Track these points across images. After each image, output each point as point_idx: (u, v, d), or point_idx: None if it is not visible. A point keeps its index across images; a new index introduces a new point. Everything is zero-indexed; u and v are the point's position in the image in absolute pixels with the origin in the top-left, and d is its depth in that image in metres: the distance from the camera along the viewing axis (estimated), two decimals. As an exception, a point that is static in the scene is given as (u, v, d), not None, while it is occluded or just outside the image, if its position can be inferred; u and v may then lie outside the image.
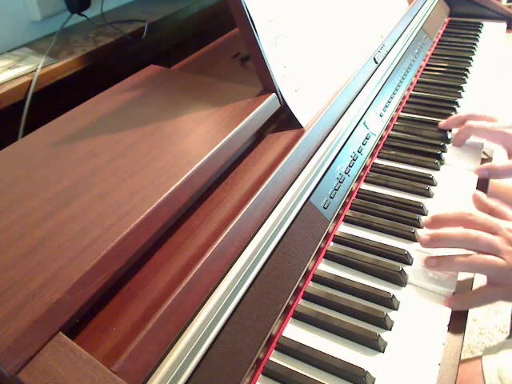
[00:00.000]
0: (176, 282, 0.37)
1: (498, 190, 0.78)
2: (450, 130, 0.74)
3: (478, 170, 0.65)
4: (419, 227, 0.57)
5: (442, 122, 0.73)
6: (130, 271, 0.37)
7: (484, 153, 0.71)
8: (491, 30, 1.08)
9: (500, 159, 0.70)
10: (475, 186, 0.64)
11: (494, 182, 0.70)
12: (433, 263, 0.51)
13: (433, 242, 0.52)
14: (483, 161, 0.69)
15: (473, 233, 0.49)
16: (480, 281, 0.51)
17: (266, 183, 0.47)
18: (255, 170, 0.49)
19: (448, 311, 0.47)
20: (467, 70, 0.91)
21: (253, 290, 0.43)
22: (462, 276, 0.52)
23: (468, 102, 0.82)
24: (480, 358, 0.57)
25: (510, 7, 1.15)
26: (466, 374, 0.55)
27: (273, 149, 0.52)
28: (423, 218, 0.58)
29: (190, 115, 0.51)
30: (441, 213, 0.54)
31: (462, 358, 0.45)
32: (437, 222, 0.53)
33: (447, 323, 0.46)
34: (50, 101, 0.68)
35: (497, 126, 0.66)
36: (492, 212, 0.53)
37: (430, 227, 0.54)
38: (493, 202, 0.54)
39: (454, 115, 0.73)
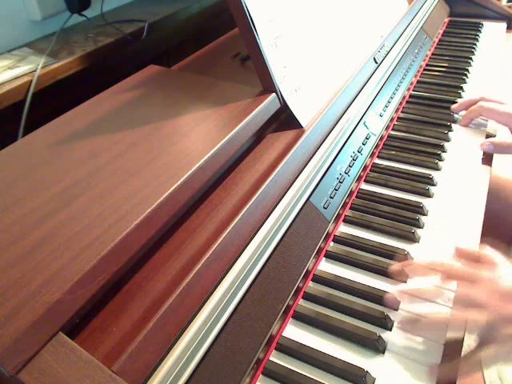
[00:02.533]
0: (176, 282, 0.37)
1: (498, 182, 0.78)
2: (451, 130, 0.74)
3: (482, 144, 0.69)
4: (419, 227, 0.57)
5: (454, 106, 0.78)
6: (129, 271, 0.37)
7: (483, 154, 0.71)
8: (491, 30, 1.08)
9: (500, 157, 0.71)
10: (475, 186, 0.64)
11: (494, 174, 0.70)
12: (407, 326, 0.45)
13: (402, 297, 0.47)
14: (483, 161, 0.69)
15: (467, 290, 0.44)
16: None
17: (266, 183, 0.47)
18: (255, 170, 0.49)
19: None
20: (467, 70, 0.91)
21: (253, 290, 0.43)
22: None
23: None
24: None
25: (510, 7, 1.15)
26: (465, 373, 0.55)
27: (273, 149, 0.52)
28: (423, 218, 0.58)
29: (190, 115, 0.51)
30: (414, 261, 0.50)
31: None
32: (410, 271, 0.49)
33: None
34: (50, 101, 0.68)
35: (506, 109, 0.71)
36: (479, 260, 0.47)
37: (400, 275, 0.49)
38: (477, 250, 0.49)
39: (466, 98, 0.77)
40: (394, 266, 0.50)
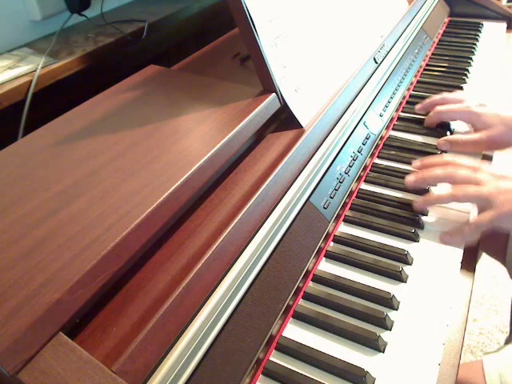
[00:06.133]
0: (176, 282, 0.37)
1: None
2: (451, 130, 0.74)
3: (439, 142, 0.70)
4: (419, 227, 0.57)
5: (418, 106, 0.77)
6: (129, 271, 0.38)
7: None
8: (491, 30, 1.08)
9: (499, 157, 0.71)
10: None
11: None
12: (420, 202, 0.58)
13: (418, 181, 0.59)
14: (483, 159, 0.69)
15: (453, 168, 0.57)
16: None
17: (266, 183, 0.47)
18: (255, 170, 0.49)
19: (448, 311, 0.47)
20: (467, 70, 0.91)
21: (253, 289, 0.43)
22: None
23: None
24: (481, 361, 0.57)
25: (510, 7, 1.15)
26: (466, 377, 0.55)
27: (273, 149, 0.52)
28: (423, 218, 0.58)
29: (189, 115, 0.51)
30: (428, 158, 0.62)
31: (462, 358, 0.45)
32: (424, 164, 0.61)
33: (447, 323, 0.46)
34: (49, 101, 0.68)
35: (462, 106, 0.71)
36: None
37: (419, 169, 0.61)
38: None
39: (429, 99, 0.76)
40: (416, 161, 0.63)
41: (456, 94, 0.75)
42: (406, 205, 0.59)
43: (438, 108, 0.73)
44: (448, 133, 0.73)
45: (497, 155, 0.71)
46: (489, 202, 0.52)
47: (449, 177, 0.57)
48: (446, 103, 0.73)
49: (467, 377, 0.55)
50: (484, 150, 0.70)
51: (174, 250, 0.40)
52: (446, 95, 0.75)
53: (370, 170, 0.67)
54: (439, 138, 0.72)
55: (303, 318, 0.47)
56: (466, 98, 0.72)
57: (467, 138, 0.68)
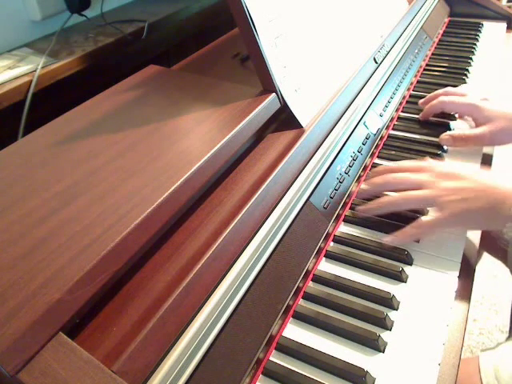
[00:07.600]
0: (176, 282, 0.37)
1: None
2: (451, 130, 0.74)
3: (441, 138, 0.69)
4: (419, 227, 0.57)
5: (422, 100, 0.77)
6: (130, 271, 0.38)
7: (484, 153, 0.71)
8: (491, 30, 1.08)
9: (500, 157, 0.71)
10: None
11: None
12: (362, 208, 0.57)
13: (369, 190, 0.59)
14: (483, 160, 0.69)
15: (399, 174, 0.56)
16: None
17: (267, 183, 0.47)
18: (255, 170, 0.49)
19: (448, 311, 0.47)
20: (467, 70, 0.91)
21: (253, 290, 0.43)
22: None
23: (468, 102, 0.82)
24: (477, 357, 0.57)
25: (510, 7, 1.14)
26: (462, 373, 0.55)
27: (273, 149, 0.52)
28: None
29: (189, 115, 0.51)
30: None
31: (462, 358, 0.45)
32: (376, 173, 0.60)
33: (447, 323, 0.46)
34: (50, 101, 0.68)
35: (465, 99, 0.70)
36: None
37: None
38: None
39: (432, 93, 0.76)
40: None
41: (459, 88, 0.75)
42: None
43: (443, 98, 0.72)
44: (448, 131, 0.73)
45: (497, 153, 0.71)
46: (435, 203, 0.52)
47: (386, 183, 0.56)
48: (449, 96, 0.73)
49: (464, 372, 0.55)
50: (486, 145, 0.69)
51: (174, 250, 0.40)
52: (449, 89, 0.74)
53: (370, 170, 0.67)
54: (439, 137, 0.72)
55: (303, 318, 0.47)
56: (469, 91, 0.72)
57: (469, 133, 0.68)
